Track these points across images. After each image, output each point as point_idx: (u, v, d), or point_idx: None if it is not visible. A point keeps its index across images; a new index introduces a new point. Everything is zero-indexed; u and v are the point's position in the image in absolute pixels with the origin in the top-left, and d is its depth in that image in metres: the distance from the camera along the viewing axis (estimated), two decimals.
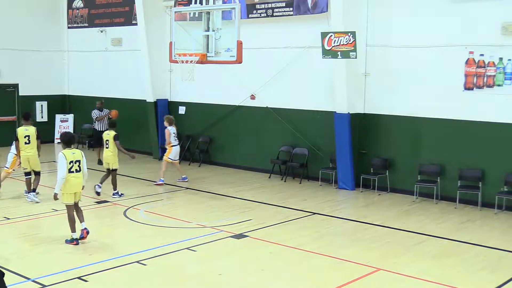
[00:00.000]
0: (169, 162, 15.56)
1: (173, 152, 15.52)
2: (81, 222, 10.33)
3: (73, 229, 10.24)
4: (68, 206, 10.27)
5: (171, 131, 15.41)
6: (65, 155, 9.94)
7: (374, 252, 10.03)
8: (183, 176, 15.93)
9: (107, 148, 14.08)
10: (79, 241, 10.22)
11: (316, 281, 8.72)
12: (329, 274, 9.04)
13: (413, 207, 13.43)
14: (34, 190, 13.29)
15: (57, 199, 10.19)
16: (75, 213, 10.32)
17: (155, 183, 15.55)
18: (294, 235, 10.91)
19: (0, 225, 11.33)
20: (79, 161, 10.13)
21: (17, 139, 13.27)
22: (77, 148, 10.73)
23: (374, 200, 14.16)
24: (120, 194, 13.99)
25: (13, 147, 13.60)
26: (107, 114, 18.62)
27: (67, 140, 10.19)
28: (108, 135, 14.12)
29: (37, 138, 13.31)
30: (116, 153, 14.03)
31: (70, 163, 10.01)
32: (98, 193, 13.85)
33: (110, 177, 14.01)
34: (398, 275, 8.89)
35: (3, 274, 6.82)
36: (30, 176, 13.31)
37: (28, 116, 13.83)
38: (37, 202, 13.01)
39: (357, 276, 8.84)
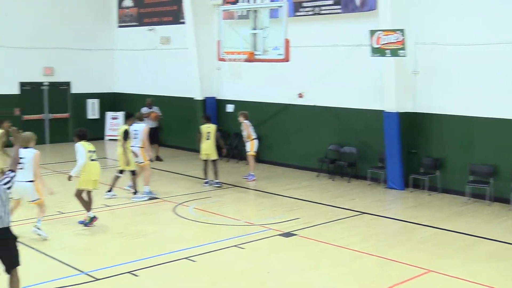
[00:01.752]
0: (252, 156, 15.89)
1: (255, 145, 15.84)
2: (88, 210, 11.23)
3: (89, 209, 11.16)
4: (81, 191, 11.09)
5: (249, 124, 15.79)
6: (83, 146, 11.08)
7: (423, 253, 9.92)
8: (251, 174, 15.97)
9: (207, 140, 14.68)
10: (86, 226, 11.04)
11: (365, 281, 8.70)
12: (377, 274, 9.02)
13: (465, 208, 13.17)
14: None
15: (70, 180, 11.05)
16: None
17: (247, 179, 15.76)
18: (342, 235, 10.90)
19: (54, 219, 11.63)
20: (95, 151, 11.29)
21: (127, 138, 13.47)
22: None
23: (424, 200, 13.97)
24: (215, 182, 14.98)
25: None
26: (147, 116, 18.59)
27: (82, 135, 11.29)
28: (209, 127, 14.82)
29: (124, 138, 13.42)
30: (215, 145, 14.84)
31: (89, 152, 11.07)
32: (219, 185, 14.97)
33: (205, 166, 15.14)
34: (448, 277, 8.77)
35: (16, 237, 7.12)
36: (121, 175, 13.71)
37: (129, 116, 14.28)
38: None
39: (406, 277, 8.77)
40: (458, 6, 14.02)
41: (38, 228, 10.24)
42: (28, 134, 10.40)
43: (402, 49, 13.75)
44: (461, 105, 14.08)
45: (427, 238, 10.91)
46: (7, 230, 6.94)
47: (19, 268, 7.10)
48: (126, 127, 13.69)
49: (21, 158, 9.52)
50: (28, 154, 10.07)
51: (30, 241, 9.95)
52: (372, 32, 14.21)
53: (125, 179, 13.96)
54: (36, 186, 10.24)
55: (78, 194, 11.16)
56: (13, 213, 10.02)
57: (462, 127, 14.16)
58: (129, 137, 13.47)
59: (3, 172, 12.73)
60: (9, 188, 7.00)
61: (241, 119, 15.78)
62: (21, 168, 9.56)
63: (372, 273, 9.06)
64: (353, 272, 9.08)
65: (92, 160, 11.13)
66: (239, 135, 17.82)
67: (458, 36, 14.00)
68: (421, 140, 14.95)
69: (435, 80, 14.56)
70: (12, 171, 7.24)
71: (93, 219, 11.12)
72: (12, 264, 7.04)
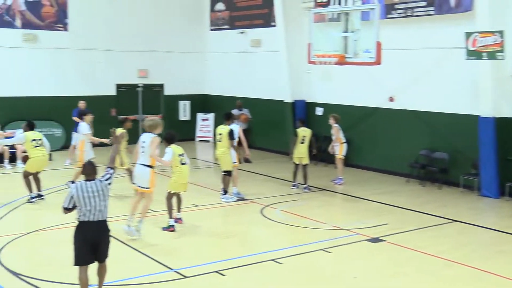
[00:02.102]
0: (341, 159, 15.86)
1: (344, 149, 15.80)
2: (178, 211, 11.42)
3: (171, 216, 11.11)
4: (172, 194, 11.18)
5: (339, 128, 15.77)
6: (172, 149, 10.97)
7: None
8: (339, 177, 15.93)
9: (302, 143, 14.73)
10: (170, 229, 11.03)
11: None
12: (469, 285, 8.71)
13: None
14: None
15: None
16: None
17: (335, 183, 15.77)
18: (432, 242, 10.60)
19: (145, 216, 11.99)
20: (184, 154, 11.20)
21: (232, 138, 13.45)
22: None
23: None
24: (304, 187, 14.90)
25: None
26: (237, 118, 18.87)
27: (170, 138, 11.14)
28: (305, 131, 14.87)
29: (230, 138, 13.55)
30: (308, 150, 14.87)
31: (179, 156, 11.03)
32: (307, 189, 14.89)
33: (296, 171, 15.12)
34: None
35: (109, 230, 7.69)
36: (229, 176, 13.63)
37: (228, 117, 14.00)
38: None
39: None
40: None
41: (137, 230, 10.48)
42: (155, 119, 10.94)
43: (501, 51, 13.22)
44: None
45: None
46: (106, 223, 7.55)
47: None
48: (229, 127, 13.71)
49: (143, 142, 10.70)
50: (147, 139, 10.59)
51: (124, 237, 10.31)
52: (468, 34, 13.75)
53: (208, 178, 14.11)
54: (151, 175, 10.63)
55: (169, 197, 11.27)
56: (136, 206, 10.67)
57: None
58: (234, 137, 13.44)
59: (129, 170, 13.32)
60: (109, 184, 7.54)
61: (331, 121, 15.68)
62: (142, 152, 10.62)
63: (463, 284, 8.76)
64: (443, 282, 8.81)
65: (183, 163, 11.16)
66: (328, 138, 17.75)
67: None
68: None
69: None
70: (111, 168, 7.73)
71: (171, 227, 11.05)
72: (105, 255, 7.61)
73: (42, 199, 13.31)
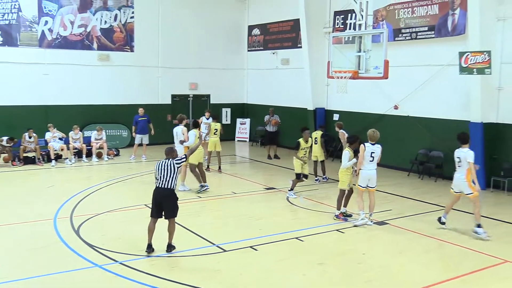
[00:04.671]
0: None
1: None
2: (344, 206, 10.94)
3: (339, 207, 10.84)
4: (342, 191, 10.92)
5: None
6: (194, 131, 10.98)
7: (504, 246, 9.29)
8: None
9: (315, 144, 14.59)
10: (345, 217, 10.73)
11: (449, 265, 8.35)
12: (461, 260, 8.58)
13: None
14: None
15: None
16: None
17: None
18: (428, 225, 10.43)
19: (192, 202, 12.11)
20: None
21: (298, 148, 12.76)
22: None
23: (503, 200, 13.05)
24: (323, 178, 14.83)
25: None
26: (269, 122, 19.01)
27: (353, 140, 10.70)
28: (316, 134, 14.85)
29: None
30: (321, 148, 14.75)
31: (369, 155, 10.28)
32: (326, 179, 14.82)
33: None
34: None
35: (177, 198, 8.50)
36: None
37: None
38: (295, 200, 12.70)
39: (485, 265, 8.29)
40: None
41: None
42: (375, 132, 10.43)
43: (488, 67, 12.99)
44: None
45: (507, 233, 10.18)
46: (171, 190, 8.34)
47: (175, 220, 8.52)
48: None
49: (372, 152, 10.33)
50: (376, 149, 10.34)
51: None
52: (461, 54, 13.53)
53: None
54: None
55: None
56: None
57: None
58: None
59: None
60: (178, 165, 8.44)
61: (337, 129, 15.53)
62: (371, 161, 10.32)
63: (456, 260, 8.63)
64: (439, 259, 8.72)
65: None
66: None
67: None
68: (502, 147, 14.02)
69: None
70: (186, 156, 8.94)
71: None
72: (169, 214, 8.40)
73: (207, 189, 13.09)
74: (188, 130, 13.49)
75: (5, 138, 16.55)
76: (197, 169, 13.04)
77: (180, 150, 12.77)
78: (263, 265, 8.17)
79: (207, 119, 17.55)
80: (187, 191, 13.00)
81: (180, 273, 7.77)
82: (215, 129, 15.89)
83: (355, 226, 10.28)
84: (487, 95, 13.97)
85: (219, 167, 15.83)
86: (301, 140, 12.72)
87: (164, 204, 8.33)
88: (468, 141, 10.09)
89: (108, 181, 14.21)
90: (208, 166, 15.91)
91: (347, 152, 10.58)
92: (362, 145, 10.41)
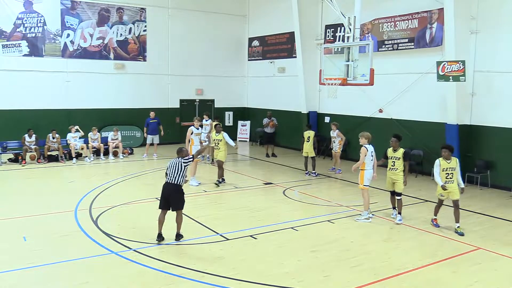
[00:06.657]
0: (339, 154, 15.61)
1: (341, 146, 15.61)
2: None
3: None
4: (222, 162, 11.61)
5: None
6: (440, 163, 9.58)
7: (475, 234, 9.30)
8: (338, 168, 15.63)
9: (307, 142, 14.68)
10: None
11: (428, 252, 8.31)
12: (438, 248, 8.55)
13: (510, 201, 12.19)
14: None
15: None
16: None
17: (335, 172, 15.45)
18: (410, 216, 10.44)
19: (199, 196, 12.08)
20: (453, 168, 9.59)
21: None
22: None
23: (476, 193, 13.04)
24: (314, 173, 14.74)
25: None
26: (267, 124, 18.97)
27: (450, 148, 9.57)
28: (309, 133, 14.81)
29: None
30: (313, 146, 14.70)
31: (443, 170, 9.59)
32: (316, 175, 14.75)
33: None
34: (495, 254, 8.18)
35: (183, 193, 8.40)
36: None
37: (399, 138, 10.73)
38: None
39: (460, 252, 8.30)
40: (509, 42, 12.99)
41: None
42: (368, 134, 10.17)
43: (463, 75, 12.97)
44: (509, 119, 13.04)
45: (479, 223, 10.18)
46: (178, 186, 8.36)
47: (181, 212, 8.52)
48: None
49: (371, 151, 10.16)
50: (370, 148, 10.12)
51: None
52: (439, 63, 13.50)
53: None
54: (362, 175, 10.13)
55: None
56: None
57: (509, 136, 13.11)
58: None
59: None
60: (186, 163, 8.45)
61: (334, 128, 15.52)
62: (371, 161, 10.23)
63: (434, 247, 8.60)
64: (418, 246, 8.68)
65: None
66: (326, 138, 17.59)
67: (509, 66, 12.98)
68: (475, 147, 13.99)
69: (489, 100, 13.60)
70: (193, 156, 8.84)
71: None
72: (175, 206, 8.41)
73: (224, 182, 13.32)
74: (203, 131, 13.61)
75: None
76: (223, 166, 13.30)
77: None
78: (262, 251, 8.15)
79: (206, 121, 17.53)
80: (196, 186, 12.97)
81: (188, 259, 7.75)
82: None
83: (356, 220, 10.10)
84: (462, 100, 13.95)
85: (212, 160, 16.03)
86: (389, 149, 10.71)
87: (171, 197, 8.34)
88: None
89: (123, 176, 14.19)
90: (212, 160, 15.95)
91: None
92: (364, 147, 10.10)
